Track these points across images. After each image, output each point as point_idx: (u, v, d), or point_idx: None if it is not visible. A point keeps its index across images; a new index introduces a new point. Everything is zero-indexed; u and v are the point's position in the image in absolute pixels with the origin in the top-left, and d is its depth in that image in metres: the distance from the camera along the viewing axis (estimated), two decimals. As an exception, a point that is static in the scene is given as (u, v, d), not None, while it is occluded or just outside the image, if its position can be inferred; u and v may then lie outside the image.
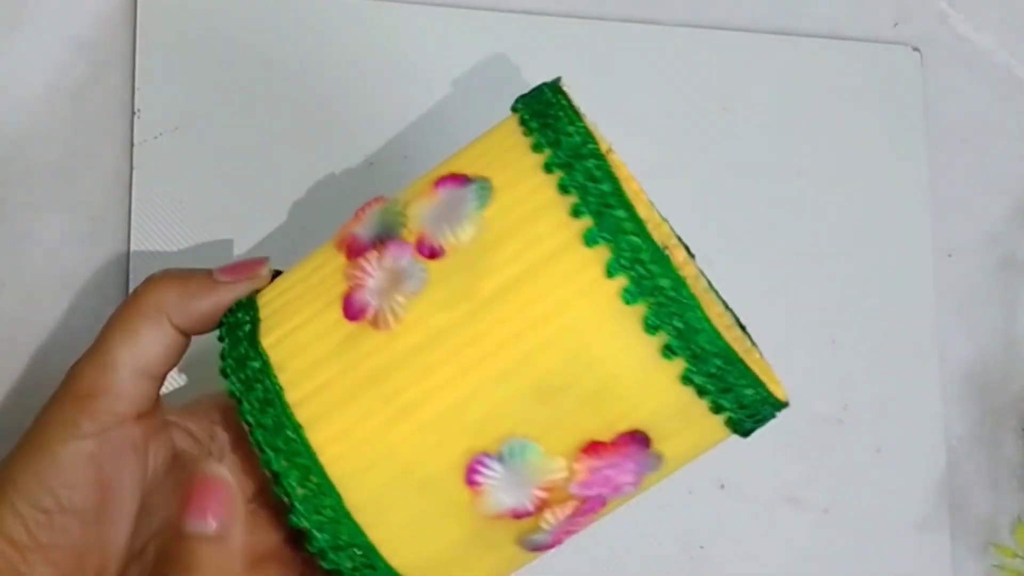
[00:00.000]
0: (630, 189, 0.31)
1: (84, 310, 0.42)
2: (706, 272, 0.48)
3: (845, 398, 0.49)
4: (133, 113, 0.44)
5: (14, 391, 0.41)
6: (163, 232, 0.43)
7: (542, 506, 0.31)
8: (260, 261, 0.35)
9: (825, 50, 0.52)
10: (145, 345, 0.33)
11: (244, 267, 0.34)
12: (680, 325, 0.29)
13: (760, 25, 0.52)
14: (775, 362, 0.48)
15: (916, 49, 0.53)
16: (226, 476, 0.30)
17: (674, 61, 0.50)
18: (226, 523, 0.30)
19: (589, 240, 0.29)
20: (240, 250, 0.44)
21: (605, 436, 0.30)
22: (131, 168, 0.43)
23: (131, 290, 0.42)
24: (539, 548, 0.32)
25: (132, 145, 0.43)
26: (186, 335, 0.34)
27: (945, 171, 0.53)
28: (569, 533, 0.32)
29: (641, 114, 0.49)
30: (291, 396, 0.31)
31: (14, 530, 0.31)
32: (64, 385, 0.33)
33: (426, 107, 0.47)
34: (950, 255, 0.52)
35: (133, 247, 0.43)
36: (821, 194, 0.51)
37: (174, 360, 0.34)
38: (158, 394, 0.34)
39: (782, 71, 0.51)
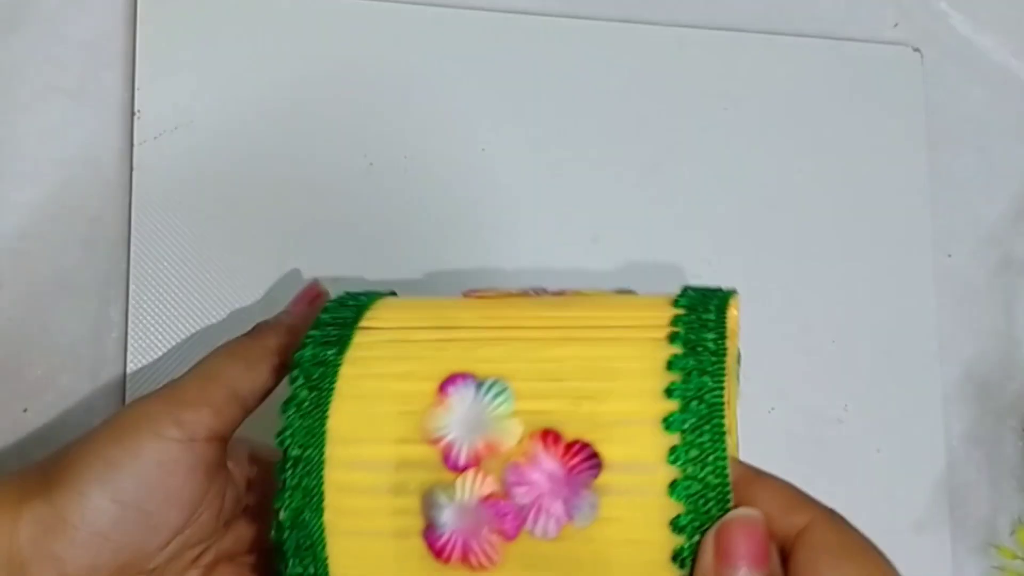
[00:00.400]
0: None
1: (84, 310, 0.42)
2: (706, 272, 0.48)
3: (845, 398, 0.49)
4: (133, 113, 0.44)
5: (14, 391, 0.41)
6: (163, 232, 0.43)
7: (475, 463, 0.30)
8: (313, 285, 0.41)
9: (825, 50, 0.52)
10: (253, 375, 0.35)
11: (306, 295, 0.40)
12: None
13: (760, 25, 0.52)
14: (776, 362, 0.49)
15: (916, 49, 0.53)
16: (759, 515, 0.30)
17: (674, 61, 0.50)
18: (774, 563, 0.29)
19: None
20: (240, 252, 0.44)
21: None
22: (131, 168, 0.43)
23: (130, 290, 0.42)
24: (435, 536, 0.31)
25: (132, 145, 0.43)
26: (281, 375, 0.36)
27: (945, 171, 0.53)
28: (467, 545, 0.30)
29: (641, 114, 0.49)
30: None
31: (70, 510, 0.31)
32: (165, 389, 0.34)
33: (426, 107, 0.47)
34: (950, 255, 0.52)
35: (133, 247, 0.43)
36: (821, 194, 0.51)
37: (263, 399, 0.36)
38: (236, 428, 0.35)
39: (782, 71, 0.51)
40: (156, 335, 0.42)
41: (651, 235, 0.48)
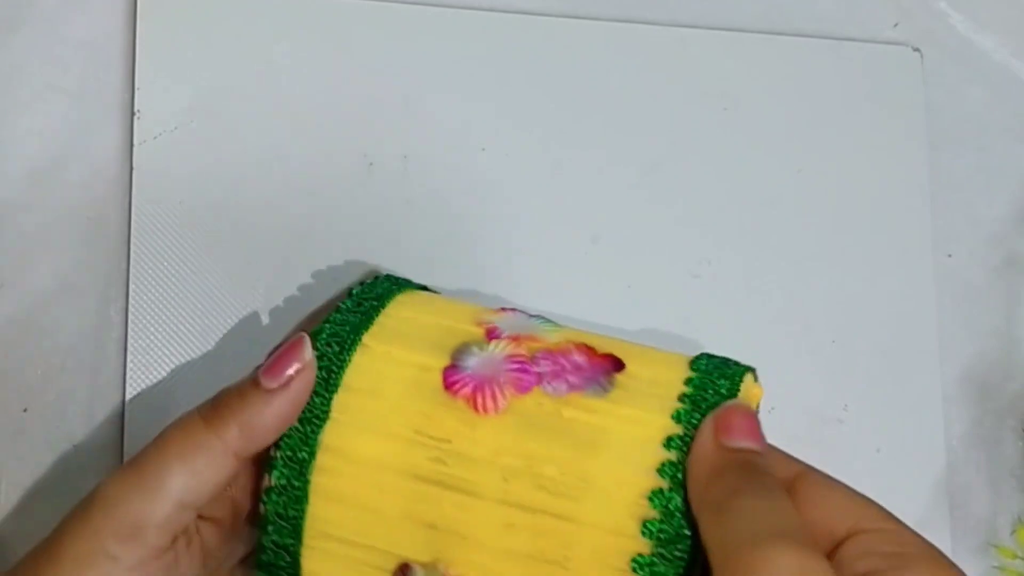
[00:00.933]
0: None
1: (84, 310, 0.42)
2: (706, 272, 0.48)
3: (845, 398, 0.49)
4: (133, 113, 0.44)
5: (14, 391, 0.41)
6: (163, 232, 0.43)
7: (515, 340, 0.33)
8: (297, 344, 0.33)
9: (825, 50, 0.52)
10: (203, 480, 0.31)
11: (284, 360, 0.32)
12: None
13: (760, 25, 0.52)
14: (776, 362, 0.48)
15: (916, 49, 0.53)
16: (751, 407, 0.32)
17: (674, 61, 0.50)
18: (764, 441, 0.31)
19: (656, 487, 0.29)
20: (240, 251, 0.44)
21: None
22: (131, 168, 0.43)
23: (130, 290, 0.42)
24: (453, 371, 0.32)
25: (132, 145, 0.43)
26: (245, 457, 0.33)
27: (945, 171, 0.53)
28: (478, 387, 0.32)
29: (641, 114, 0.49)
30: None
31: None
32: (101, 508, 0.31)
33: (426, 107, 0.47)
34: (950, 255, 0.52)
35: (133, 247, 0.43)
36: (821, 194, 0.51)
37: (217, 493, 0.32)
38: (186, 526, 0.32)
39: (782, 71, 0.51)
40: (156, 335, 0.42)
41: (651, 235, 0.48)
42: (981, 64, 0.54)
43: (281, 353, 0.33)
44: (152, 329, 0.42)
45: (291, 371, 0.32)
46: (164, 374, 0.42)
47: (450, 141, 0.47)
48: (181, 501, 0.31)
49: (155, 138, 0.44)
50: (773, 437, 0.50)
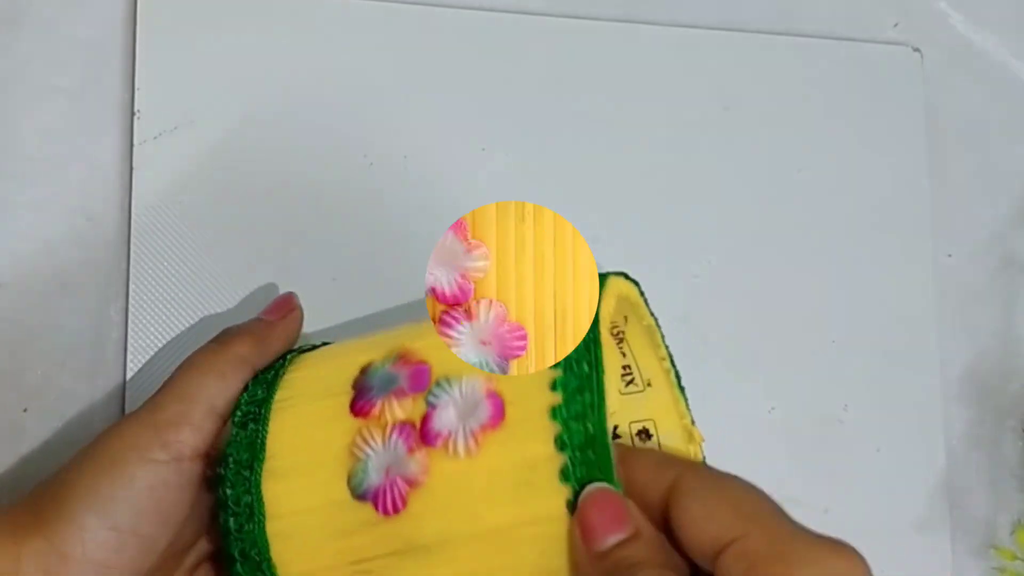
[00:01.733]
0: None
1: (84, 310, 0.42)
2: (706, 272, 0.48)
3: (845, 398, 0.49)
4: (133, 113, 0.44)
5: (14, 391, 0.41)
6: (163, 232, 0.43)
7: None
8: (289, 296, 0.40)
9: (825, 50, 0.52)
10: (228, 387, 0.35)
11: (282, 305, 0.40)
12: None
13: (760, 25, 0.52)
14: (776, 362, 0.49)
15: (916, 49, 0.53)
16: (608, 487, 0.31)
17: (674, 61, 0.50)
18: (635, 521, 0.31)
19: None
20: (240, 252, 0.44)
21: None
22: (131, 168, 0.43)
23: (130, 290, 0.42)
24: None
25: (132, 145, 0.43)
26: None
27: (945, 171, 0.53)
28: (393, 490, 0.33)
29: (641, 114, 0.49)
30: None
31: (70, 545, 0.31)
32: (144, 412, 0.35)
33: (426, 107, 0.47)
34: (950, 255, 0.52)
35: (133, 247, 0.43)
36: (821, 194, 0.51)
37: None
38: (216, 441, 0.35)
39: (782, 71, 0.51)
40: (156, 335, 0.42)
41: (651, 235, 0.48)
42: (981, 64, 0.55)
43: (277, 300, 0.40)
44: (152, 329, 0.42)
45: (288, 309, 0.39)
46: (164, 374, 0.42)
47: (450, 141, 0.47)
48: (212, 405, 0.35)
49: (155, 138, 0.44)
50: (773, 437, 0.50)
